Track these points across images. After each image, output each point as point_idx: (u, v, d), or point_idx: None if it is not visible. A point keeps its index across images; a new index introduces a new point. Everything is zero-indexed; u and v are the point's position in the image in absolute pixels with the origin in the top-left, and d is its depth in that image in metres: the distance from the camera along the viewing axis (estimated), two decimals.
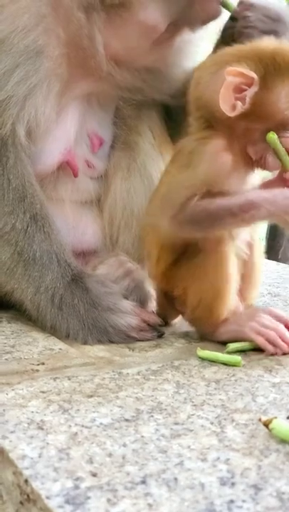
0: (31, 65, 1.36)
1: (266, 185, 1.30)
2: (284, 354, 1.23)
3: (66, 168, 1.50)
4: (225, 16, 1.47)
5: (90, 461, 0.79)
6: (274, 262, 2.87)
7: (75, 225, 1.52)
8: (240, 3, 1.44)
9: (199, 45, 1.53)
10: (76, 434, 0.87)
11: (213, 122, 1.26)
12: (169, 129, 1.58)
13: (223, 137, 1.24)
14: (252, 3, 1.43)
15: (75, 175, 1.48)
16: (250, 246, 1.38)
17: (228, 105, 1.20)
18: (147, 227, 1.36)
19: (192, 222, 1.22)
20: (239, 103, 1.19)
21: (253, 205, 1.18)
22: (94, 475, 0.76)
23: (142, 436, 0.86)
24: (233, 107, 1.20)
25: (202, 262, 1.26)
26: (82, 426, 0.90)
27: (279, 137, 1.22)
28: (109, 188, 1.53)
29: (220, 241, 1.25)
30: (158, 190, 1.33)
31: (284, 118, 1.23)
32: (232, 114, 1.20)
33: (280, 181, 1.27)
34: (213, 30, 1.49)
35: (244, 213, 1.19)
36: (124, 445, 0.84)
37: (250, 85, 1.19)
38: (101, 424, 0.91)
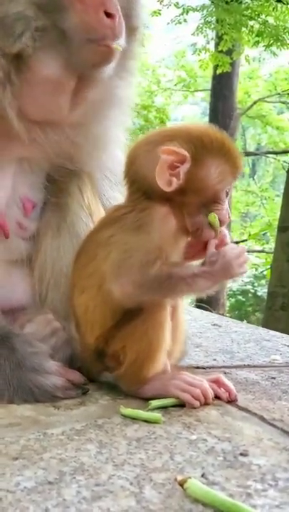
0: None
1: (191, 245, 1.41)
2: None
3: None
4: None
5: None
6: (199, 311, 2.98)
7: (5, 283, 1.55)
8: None
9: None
10: (1, 499, 0.90)
11: (151, 194, 1.34)
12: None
13: (164, 205, 1.33)
14: None
15: (6, 236, 1.52)
16: (175, 305, 1.46)
17: (164, 181, 1.30)
18: (87, 291, 1.38)
19: (154, 287, 1.29)
20: (174, 179, 1.30)
21: (199, 276, 1.29)
22: None
23: (64, 500, 0.90)
24: (169, 183, 1.30)
25: (143, 324, 1.33)
26: (7, 491, 0.93)
27: (214, 211, 1.34)
28: (40, 247, 1.57)
29: (161, 306, 1.33)
30: (97, 254, 1.36)
31: (215, 192, 1.35)
32: (169, 190, 1.30)
33: (203, 243, 1.38)
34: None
35: (194, 284, 1.29)
36: (47, 510, 0.87)
37: (182, 162, 1.30)
38: (25, 488, 0.94)
